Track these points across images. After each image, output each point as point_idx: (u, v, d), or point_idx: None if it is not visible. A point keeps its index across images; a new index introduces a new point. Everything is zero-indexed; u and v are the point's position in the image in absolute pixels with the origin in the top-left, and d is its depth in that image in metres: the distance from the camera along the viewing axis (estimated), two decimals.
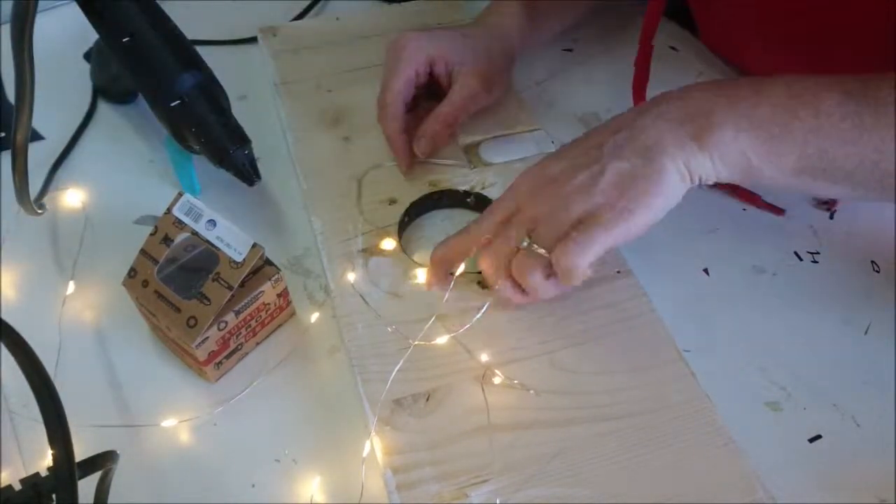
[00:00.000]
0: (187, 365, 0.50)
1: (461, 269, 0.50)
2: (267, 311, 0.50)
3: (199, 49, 0.57)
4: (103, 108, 0.69)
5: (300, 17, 0.79)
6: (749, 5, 0.63)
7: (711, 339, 0.51)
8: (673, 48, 0.74)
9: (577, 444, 0.44)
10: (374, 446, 0.44)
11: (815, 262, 0.56)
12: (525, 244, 0.46)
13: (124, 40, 0.54)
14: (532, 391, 0.47)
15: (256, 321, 0.50)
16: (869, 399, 0.48)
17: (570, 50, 0.74)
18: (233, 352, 0.49)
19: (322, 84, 0.67)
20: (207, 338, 0.46)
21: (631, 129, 0.46)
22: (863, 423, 0.47)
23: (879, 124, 0.42)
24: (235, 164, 0.55)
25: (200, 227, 0.47)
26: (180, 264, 0.48)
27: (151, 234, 0.48)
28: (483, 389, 0.46)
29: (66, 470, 0.33)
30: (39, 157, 0.63)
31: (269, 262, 0.49)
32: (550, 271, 0.46)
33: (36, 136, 0.65)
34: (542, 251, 0.46)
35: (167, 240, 0.47)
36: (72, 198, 0.60)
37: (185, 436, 0.47)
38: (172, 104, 0.54)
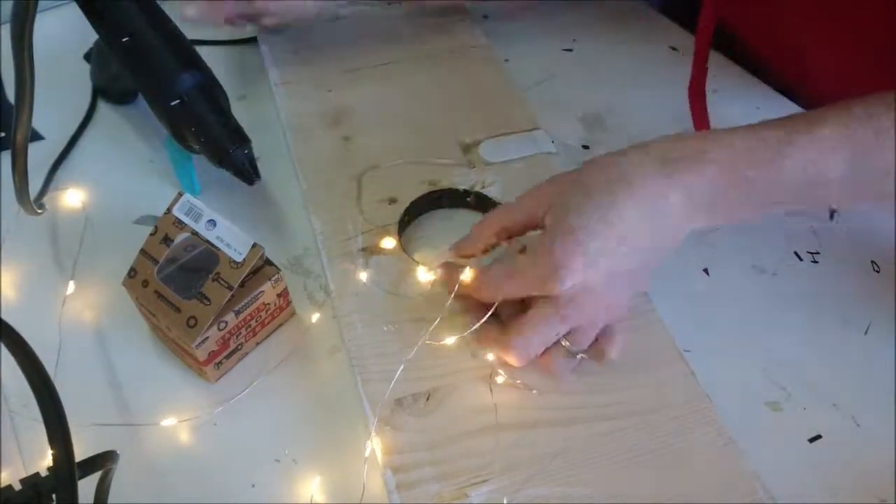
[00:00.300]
0: (187, 365, 0.50)
1: (467, 273, 0.50)
2: (267, 311, 0.50)
3: (199, 49, 0.57)
4: (103, 108, 0.69)
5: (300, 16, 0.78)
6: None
7: (711, 339, 0.51)
8: (673, 48, 0.74)
9: (578, 443, 0.44)
10: (374, 446, 0.44)
11: (815, 262, 0.56)
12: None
13: (124, 40, 0.54)
14: (535, 391, 0.47)
15: (256, 321, 0.50)
16: (869, 399, 0.48)
17: (570, 50, 0.74)
18: (233, 352, 0.49)
19: (322, 84, 0.67)
20: (207, 338, 0.46)
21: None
22: (863, 423, 0.47)
23: None
24: (235, 163, 0.55)
25: (200, 227, 0.47)
26: (180, 264, 0.48)
27: (151, 234, 0.48)
28: (491, 389, 0.46)
29: (66, 470, 0.33)
30: (39, 157, 0.63)
31: (269, 262, 0.49)
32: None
33: (36, 136, 0.65)
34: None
35: (167, 240, 0.47)
36: (72, 198, 0.60)
37: (184, 436, 0.47)
38: (172, 104, 0.54)
